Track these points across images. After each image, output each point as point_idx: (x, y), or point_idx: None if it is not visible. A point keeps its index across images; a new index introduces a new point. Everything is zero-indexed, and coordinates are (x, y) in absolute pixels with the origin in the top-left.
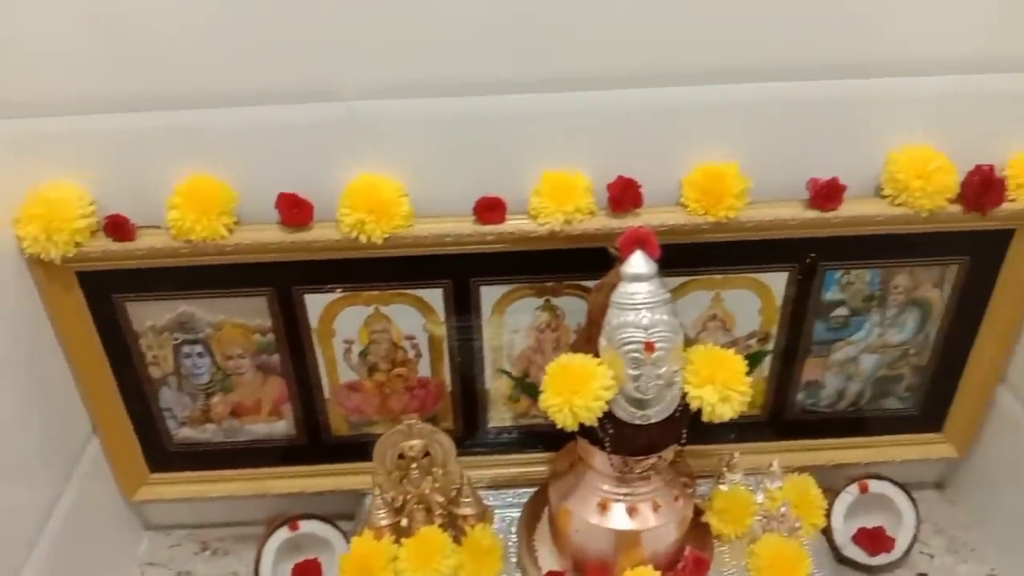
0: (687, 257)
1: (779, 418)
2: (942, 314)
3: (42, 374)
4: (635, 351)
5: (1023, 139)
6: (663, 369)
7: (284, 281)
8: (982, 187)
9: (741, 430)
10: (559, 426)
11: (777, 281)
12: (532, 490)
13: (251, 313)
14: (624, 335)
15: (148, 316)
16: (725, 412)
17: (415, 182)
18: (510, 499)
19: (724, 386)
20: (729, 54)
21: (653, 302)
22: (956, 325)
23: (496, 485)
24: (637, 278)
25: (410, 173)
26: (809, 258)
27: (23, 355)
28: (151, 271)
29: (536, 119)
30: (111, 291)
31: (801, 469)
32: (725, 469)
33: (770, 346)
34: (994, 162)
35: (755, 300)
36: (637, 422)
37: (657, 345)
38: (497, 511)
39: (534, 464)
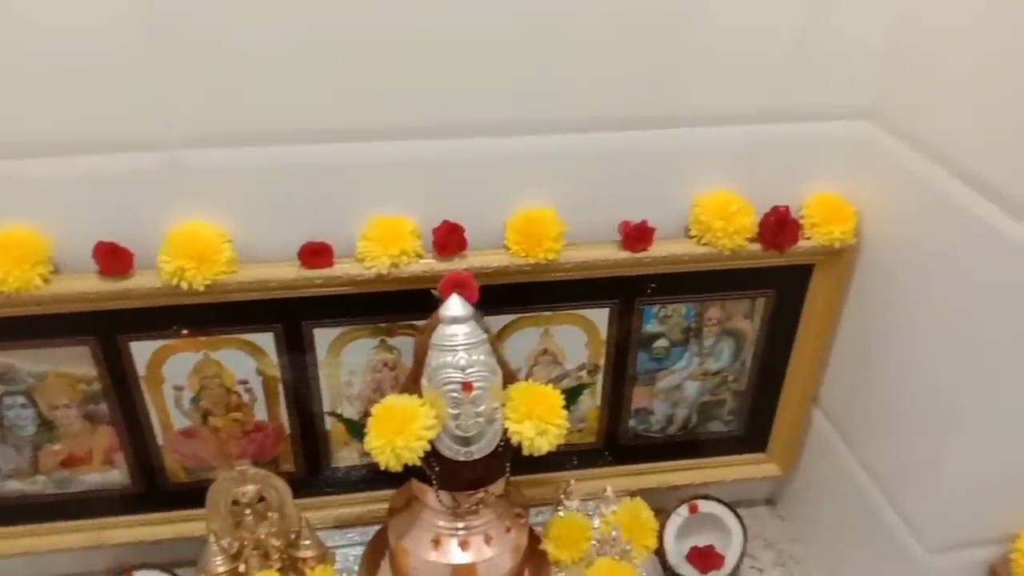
0: (515, 296)
1: (614, 444)
2: (755, 343)
3: None
4: (454, 391)
5: (817, 182)
6: (482, 407)
7: (107, 329)
8: (778, 226)
9: (580, 457)
10: (383, 467)
11: (600, 317)
12: (377, 527)
13: (75, 362)
14: (443, 375)
15: None
16: (543, 445)
17: (241, 228)
18: (356, 537)
19: (542, 420)
20: (545, 107)
21: (470, 343)
22: (769, 352)
23: (341, 524)
24: (455, 320)
25: (236, 219)
26: (651, 288)
27: None
28: None
29: (362, 167)
30: None
31: (637, 492)
32: (562, 496)
33: (599, 377)
34: (790, 203)
35: (581, 335)
36: (462, 459)
37: (475, 384)
38: (342, 550)
39: (379, 501)
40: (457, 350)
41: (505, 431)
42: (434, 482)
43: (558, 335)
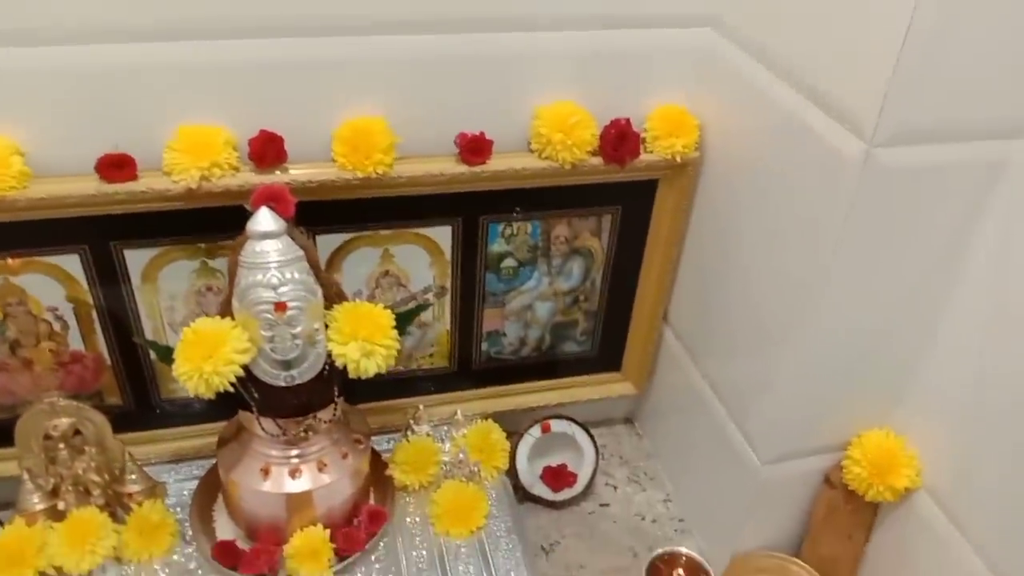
0: (349, 214)
1: (468, 368)
2: (604, 261)
3: None
4: (266, 311)
5: (661, 94)
6: (299, 328)
7: None
8: (618, 139)
9: (434, 382)
10: (193, 394)
11: (443, 236)
12: (213, 461)
13: None
14: (254, 295)
15: None
16: (369, 367)
17: (34, 139)
18: (194, 471)
19: (368, 341)
20: (367, 3)
21: (283, 260)
22: (618, 270)
23: (178, 458)
24: (265, 236)
25: (28, 129)
26: (515, 211)
27: None
28: None
29: (169, 69)
30: None
31: (494, 416)
32: (412, 422)
33: (447, 300)
34: (634, 117)
35: (424, 255)
36: (282, 383)
37: (290, 304)
38: (178, 483)
39: (216, 434)
40: (269, 267)
41: (330, 354)
42: (254, 408)
43: (400, 256)
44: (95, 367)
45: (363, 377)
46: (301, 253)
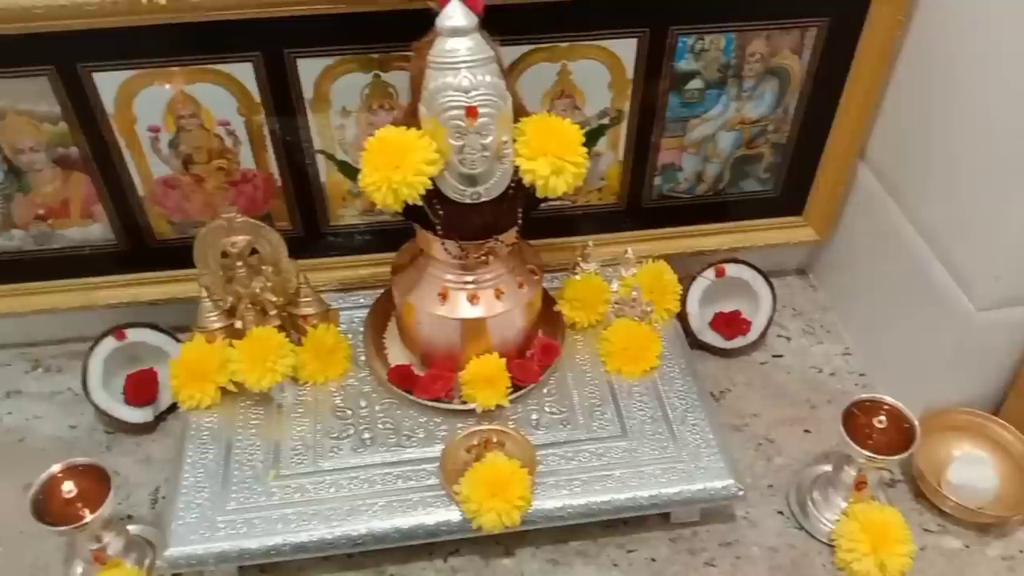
0: (526, 21)
1: (637, 206)
2: (801, 84)
3: None
4: (457, 117)
5: None
6: (489, 139)
7: (65, 57)
8: None
9: (600, 221)
10: (380, 206)
11: (626, 49)
12: (381, 291)
13: (36, 97)
14: (444, 99)
15: None
16: (559, 186)
17: None
18: (361, 300)
19: (557, 157)
20: None
21: (475, 60)
22: (816, 96)
23: (345, 287)
24: (455, 32)
25: None
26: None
27: None
28: None
29: None
30: None
31: (662, 258)
32: (579, 259)
33: (623, 127)
34: None
35: (604, 72)
36: (468, 201)
37: (481, 110)
38: (346, 312)
39: (384, 264)
40: (459, 68)
41: (516, 170)
42: (439, 229)
43: (577, 72)
44: (265, 188)
45: (550, 197)
46: (492, 53)
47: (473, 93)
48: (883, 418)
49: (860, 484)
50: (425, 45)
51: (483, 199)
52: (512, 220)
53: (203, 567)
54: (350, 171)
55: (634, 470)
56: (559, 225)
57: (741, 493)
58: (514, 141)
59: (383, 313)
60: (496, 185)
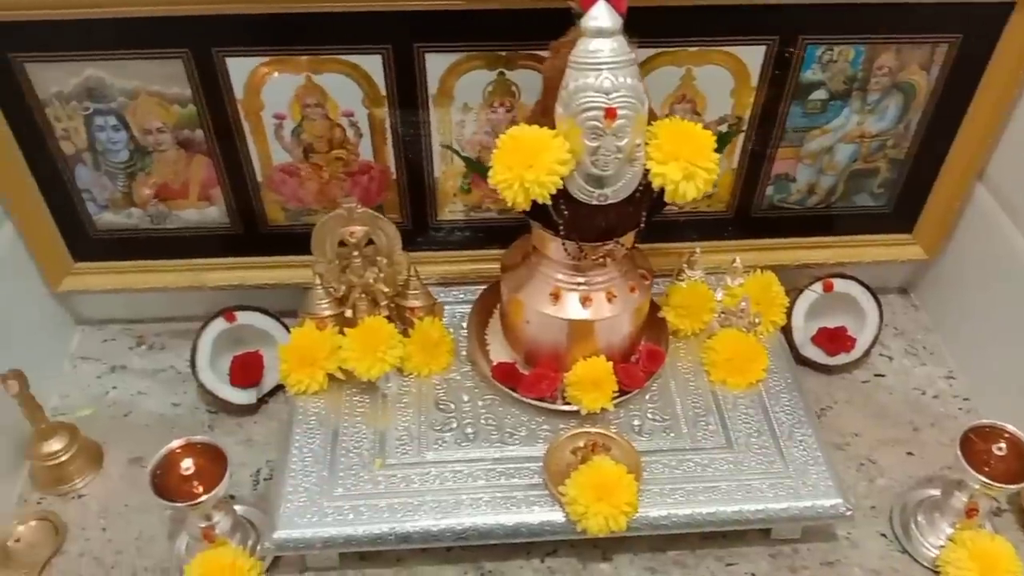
0: (656, 25)
1: (745, 215)
2: (926, 101)
3: None
4: (594, 119)
5: None
6: (624, 141)
7: (202, 41)
8: None
9: (705, 228)
10: (509, 204)
11: (754, 56)
12: (483, 287)
13: (167, 80)
14: (583, 100)
15: (52, 81)
16: (689, 191)
17: None
18: (461, 295)
19: (689, 162)
20: None
21: (617, 62)
22: (939, 114)
23: (446, 282)
24: (599, 33)
25: None
26: (788, 52)
27: None
28: (49, 24)
29: None
30: (6, 49)
31: (765, 269)
32: (685, 266)
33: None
34: None
35: (728, 78)
36: (594, 202)
37: (620, 112)
38: (447, 307)
39: (485, 260)
40: (601, 70)
41: (646, 174)
42: (561, 229)
43: (701, 77)
44: (381, 180)
45: (678, 202)
46: (634, 56)
47: (614, 95)
48: (1003, 445)
49: (971, 511)
50: (565, 45)
51: (609, 201)
52: (634, 223)
53: (309, 551)
54: (478, 168)
55: (739, 483)
56: (662, 230)
57: (849, 513)
58: (646, 144)
59: (486, 309)
60: (624, 188)
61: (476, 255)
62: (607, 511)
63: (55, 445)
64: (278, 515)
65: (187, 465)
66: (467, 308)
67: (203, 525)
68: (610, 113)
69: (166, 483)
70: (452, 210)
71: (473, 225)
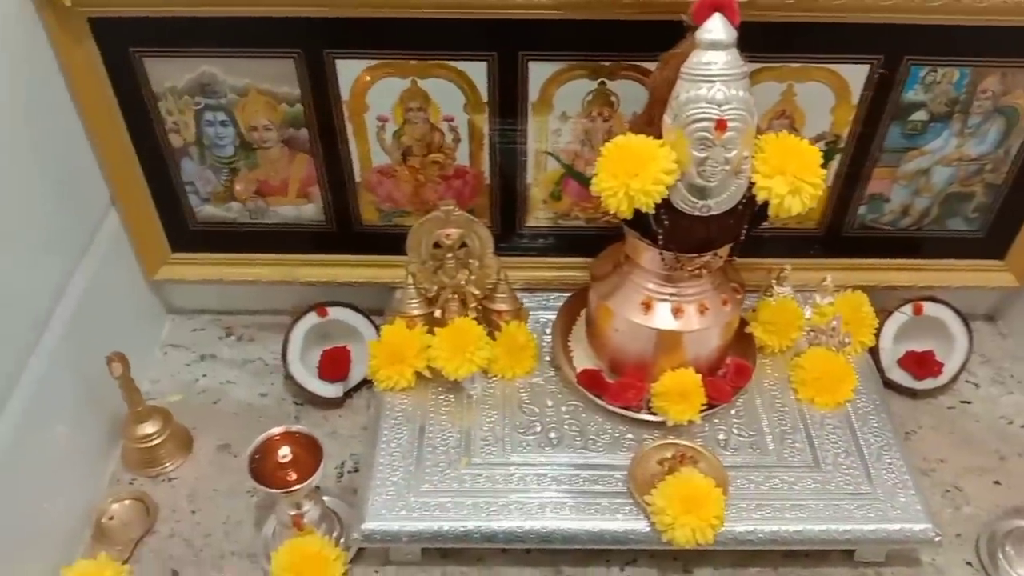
0: (761, 40)
1: (836, 233)
2: None
3: (55, 135)
4: (704, 130)
5: None
6: (732, 153)
7: (314, 42)
8: None
9: (793, 245)
10: (612, 211)
11: (857, 75)
12: (566, 295)
13: (278, 79)
14: (694, 111)
15: (167, 76)
16: (794, 206)
17: None
18: (544, 302)
19: (796, 177)
20: None
21: (729, 75)
22: None
23: (530, 288)
24: (714, 45)
25: None
26: (882, 73)
27: (34, 113)
28: (170, 22)
29: None
30: (127, 44)
31: (854, 288)
32: (774, 282)
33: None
34: None
35: (829, 96)
36: (697, 213)
37: (730, 124)
38: (530, 312)
39: (568, 268)
40: (714, 81)
41: (749, 187)
42: (660, 238)
43: (802, 94)
44: (475, 185)
45: (780, 216)
46: (747, 69)
47: (725, 107)
48: None
49: None
50: (675, 56)
51: (712, 212)
52: (734, 236)
53: (395, 544)
54: (580, 177)
55: (827, 502)
56: (749, 245)
57: (939, 539)
58: (752, 157)
59: (570, 316)
60: (727, 200)
61: (559, 262)
62: (695, 523)
63: (149, 428)
64: (367, 507)
65: (284, 452)
66: (548, 314)
67: (293, 513)
68: (721, 125)
69: (262, 468)
70: (539, 217)
71: (558, 232)
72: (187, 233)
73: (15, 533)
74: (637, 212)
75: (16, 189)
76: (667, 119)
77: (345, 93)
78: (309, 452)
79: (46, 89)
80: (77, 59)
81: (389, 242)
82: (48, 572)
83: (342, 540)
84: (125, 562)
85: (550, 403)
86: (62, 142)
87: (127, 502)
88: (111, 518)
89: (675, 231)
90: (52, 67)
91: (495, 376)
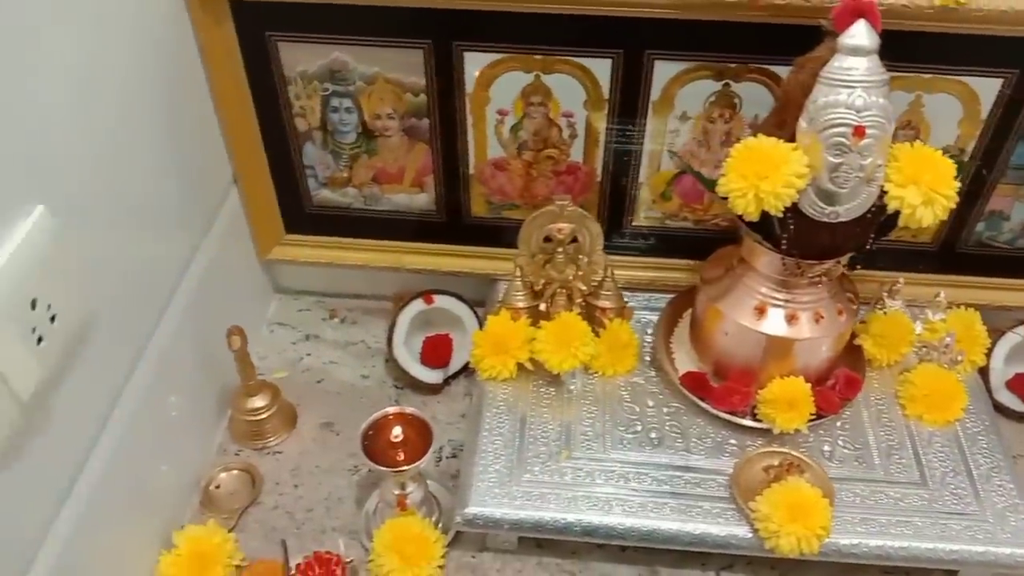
0: (894, 49)
1: (951, 249)
2: None
3: (187, 112)
4: (841, 135)
5: None
6: (867, 160)
7: (445, 34)
8: None
9: (903, 258)
10: (739, 213)
11: (988, 88)
12: (667, 296)
13: (407, 68)
14: (832, 115)
15: (300, 60)
16: (926, 217)
17: None
18: (645, 302)
19: (930, 188)
20: None
21: (870, 81)
22: None
23: (632, 287)
24: (856, 51)
25: None
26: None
27: (171, 90)
28: (308, 7)
29: None
30: (264, 28)
31: (966, 306)
32: (885, 295)
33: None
34: None
35: (958, 108)
36: (824, 219)
37: (868, 131)
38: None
39: (673, 270)
40: (854, 87)
41: (881, 196)
42: (784, 243)
43: (931, 105)
44: (586, 182)
45: (911, 227)
46: (888, 77)
47: (864, 113)
48: None
49: None
50: (812, 60)
51: (839, 219)
52: (859, 245)
53: (496, 530)
54: (702, 179)
55: (934, 521)
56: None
57: None
58: (885, 166)
59: (673, 317)
60: (857, 207)
61: (662, 263)
62: (800, 532)
63: (258, 402)
64: (471, 492)
65: (396, 432)
66: (649, 315)
67: (398, 492)
68: (859, 131)
69: (373, 446)
70: (646, 216)
71: (664, 233)
72: (302, 216)
73: (132, 493)
74: (762, 215)
75: (153, 164)
76: (802, 123)
77: (469, 85)
78: (420, 434)
79: (184, 69)
80: (215, 40)
81: (495, 235)
82: (158, 532)
83: (440, 523)
84: (231, 530)
85: (651, 403)
86: (196, 121)
87: (235, 472)
88: (218, 486)
89: (800, 236)
90: (191, 48)
91: (595, 373)
